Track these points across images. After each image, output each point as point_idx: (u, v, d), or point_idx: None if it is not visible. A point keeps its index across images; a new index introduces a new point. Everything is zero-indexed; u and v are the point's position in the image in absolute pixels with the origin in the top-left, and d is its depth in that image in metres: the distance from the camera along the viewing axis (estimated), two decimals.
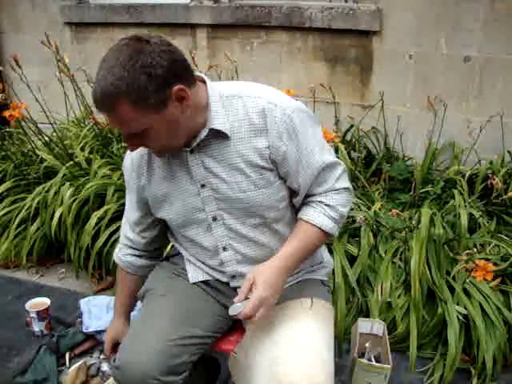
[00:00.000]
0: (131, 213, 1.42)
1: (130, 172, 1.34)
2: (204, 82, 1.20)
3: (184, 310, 1.31)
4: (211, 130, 1.17)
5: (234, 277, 1.34)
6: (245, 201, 1.22)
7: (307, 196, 1.28)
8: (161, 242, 1.51)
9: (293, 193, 1.28)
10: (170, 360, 1.21)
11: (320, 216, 1.24)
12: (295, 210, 1.32)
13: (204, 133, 1.17)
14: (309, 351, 1.20)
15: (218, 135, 1.18)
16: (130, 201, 1.40)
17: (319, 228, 1.24)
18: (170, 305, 1.32)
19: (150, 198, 1.32)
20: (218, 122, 1.17)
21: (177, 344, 1.24)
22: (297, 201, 1.28)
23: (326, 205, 1.25)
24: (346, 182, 1.29)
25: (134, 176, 1.33)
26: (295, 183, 1.24)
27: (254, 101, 1.18)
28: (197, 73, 1.19)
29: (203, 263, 1.37)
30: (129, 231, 1.46)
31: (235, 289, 1.32)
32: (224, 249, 1.30)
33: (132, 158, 1.32)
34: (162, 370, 1.19)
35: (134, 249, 1.48)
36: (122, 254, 1.49)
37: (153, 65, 1.04)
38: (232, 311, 1.16)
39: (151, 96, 1.05)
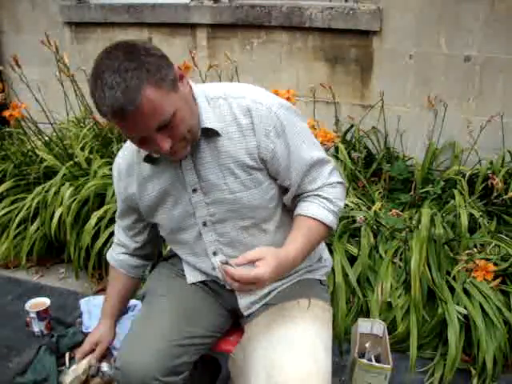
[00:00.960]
0: (122, 219, 1.44)
1: (118, 181, 1.35)
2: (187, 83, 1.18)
3: (184, 310, 1.31)
4: (203, 129, 1.16)
5: None
6: (235, 202, 1.22)
7: (301, 194, 1.26)
8: (152, 247, 1.51)
9: (285, 191, 1.27)
10: (171, 360, 1.21)
11: (320, 209, 1.22)
12: (285, 212, 1.30)
13: (198, 132, 1.16)
14: (305, 354, 1.19)
15: (209, 136, 1.17)
16: (121, 208, 1.41)
17: (321, 222, 1.22)
18: (170, 305, 1.32)
19: (142, 205, 1.32)
20: (209, 120, 1.16)
21: (177, 344, 1.23)
22: (287, 198, 1.27)
23: (323, 198, 1.23)
24: (338, 177, 1.28)
25: (123, 185, 1.33)
26: (287, 180, 1.23)
27: (239, 101, 1.17)
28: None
29: (196, 267, 1.37)
30: (122, 235, 1.47)
31: (233, 291, 1.32)
32: (214, 253, 1.30)
33: (119, 168, 1.33)
34: (163, 370, 1.19)
35: (126, 250, 1.49)
36: (115, 253, 1.50)
37: (151, 48, 1.05)
38: (223, 262, 1.09)
39: (167, 74, 1.04)
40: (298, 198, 1.27)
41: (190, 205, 1.25)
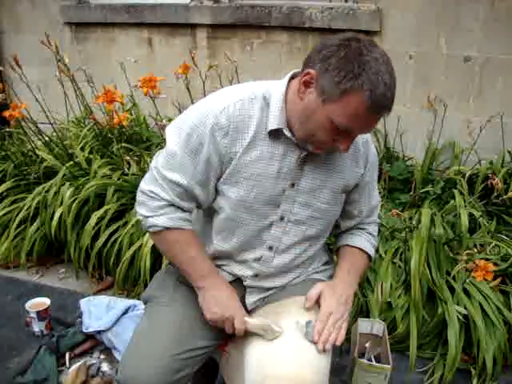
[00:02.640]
0: (183, 178, 1.19)
1: (222, 132, 1.16)
2: None
3: (187, 322, 1.29)
4: None
5: (256, 276, 1.31)
6: (321, 211, 1.28)
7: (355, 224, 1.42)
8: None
9: (348, 218, 1.40)
10: (173, 375, 1.21)
11: (367, 244, 1.40)
12: (324, 242, 1.42)
13: None
14: (299, 348, 1.20)
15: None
16: (196, 168, 1.19)
17: (368, 255, 1.40)
18: (172, 316, 1.30)
19: (233, 168, 1.19)
20: None
21: (179, 359, 1.23)
22: (346, 225, 1.41)
23: (368, 233, 1.42)
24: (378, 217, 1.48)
25: (225, 140, 1.16)
26: (357, 210, 1.37)
27: None
28: None
29: (228, 258, 1.31)
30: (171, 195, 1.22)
31: (245, 288, 1.32)
32: (270, 248, 1.29)
33: (229, 121, 1.16)
34: None
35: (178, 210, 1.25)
36: (170, 217, 1.22)
37: None
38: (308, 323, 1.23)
39: None
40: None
41: (281, 195, 1.23)
